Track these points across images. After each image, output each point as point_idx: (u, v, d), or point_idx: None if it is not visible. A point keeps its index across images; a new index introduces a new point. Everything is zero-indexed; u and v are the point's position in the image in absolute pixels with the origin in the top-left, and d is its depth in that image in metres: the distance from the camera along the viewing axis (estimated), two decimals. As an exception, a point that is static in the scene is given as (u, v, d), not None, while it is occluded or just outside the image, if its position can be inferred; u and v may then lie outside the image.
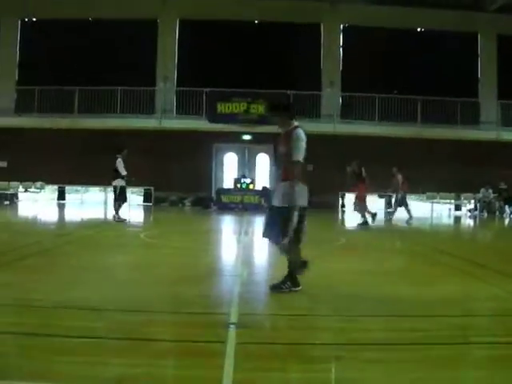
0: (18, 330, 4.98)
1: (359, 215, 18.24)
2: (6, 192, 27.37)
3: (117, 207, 17.14)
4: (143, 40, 28.32)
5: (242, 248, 12.05)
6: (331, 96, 27.39)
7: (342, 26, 28.56)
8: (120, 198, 17.35)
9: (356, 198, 18.52)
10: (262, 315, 5.81)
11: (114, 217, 16.96)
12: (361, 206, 18.12)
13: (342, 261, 10.17)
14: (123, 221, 17.02)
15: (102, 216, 21.68)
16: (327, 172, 25.97)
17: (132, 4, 27.23)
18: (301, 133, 7.00)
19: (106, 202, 26.42)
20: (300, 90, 26.21)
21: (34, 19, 29.47)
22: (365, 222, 17.73)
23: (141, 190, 27.36)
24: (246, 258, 10.37)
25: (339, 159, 26.00)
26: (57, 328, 5.03)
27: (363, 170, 18.55)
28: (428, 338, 5.05)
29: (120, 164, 17.36)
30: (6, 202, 26.90)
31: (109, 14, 27.59)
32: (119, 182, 17.35)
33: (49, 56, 28.28)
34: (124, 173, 17.31)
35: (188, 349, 4.61)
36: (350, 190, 21.87)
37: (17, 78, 29.06)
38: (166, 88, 27.40)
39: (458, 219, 25.30)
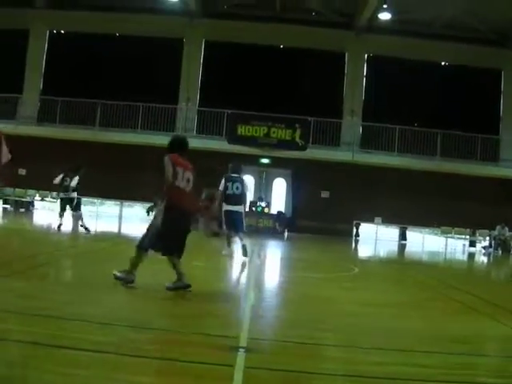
0: (26, 338, 4.98)
1: None
2: (23, 199, 27.55)
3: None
4: (168, 58, 28.57)
5: (253, 271, 12.01)
6: (352, 125, 27.40)
7: (366, 55, 28.65)
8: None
9: None
10: (271, 341, 5.75)
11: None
12: None
13: (353, 290, 10.10)
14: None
15: (115, 229, 21.72)
16: (343, 200, 25.97)
17: (159, 22, 27.46)
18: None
19: (120, 216, 26.50)
20: (321, 117, 26.26)
21: (62, 31, 29.83)
22: None
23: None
24: (257, 282, 10.34)
25: (356, 188, 26.04)
26: (65, 339, 5.02)
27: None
28: (437, 375, 5.00)
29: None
30: (22, 210, 27.06)
31: (135, 31, 27.87)
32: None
33: (74, 68, 28.69)
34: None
35: (194, 370, 4.58)
36: None
37: (41, 87, 29.35)
38: (188, 107, 27.53)
39: (472, 255, 25.12)
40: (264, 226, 25.20)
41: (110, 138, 26.59)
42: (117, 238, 16.94)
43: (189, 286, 8.00)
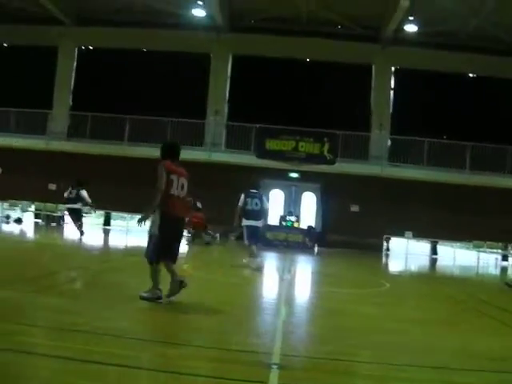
0: (57, 353, 4.98)
1: None
2: (54, 214, 27.79)
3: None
4: (196, 73, 28.72)
5: (284, 286, 11.95)
6: (380, 138, 27.25)
7: (393, 68, 28.54)
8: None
9: None
10: (303, 357, 5.68)
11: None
12: None
13: (384, 306, 9.99)
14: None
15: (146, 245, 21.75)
16: (373, 214, 25.83)
17: (186, 38, 27.60)
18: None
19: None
20: (349, 131, 26.17)
21: (91, 47, 30.18)
22: None
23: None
24: (288, 297, 10.28)
25: (386, 202, 25.86)
26: (96, 354, 5.01)
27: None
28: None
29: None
30: (53, 224, 27.29)
31: (163, 47, 28.11)
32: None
33: (102, 83, 28.98)
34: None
35: (227, 387, 4.55)
36: None
37: (70, 103, 29.67)
38: (217, 121, 27.61)
39: (504, 270, 24.77)
40: (294, 241, 25.13)
41: (138, 152, 26.71)
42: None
43: (160, 298, 8.02)
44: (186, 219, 8.82)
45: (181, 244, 8.62)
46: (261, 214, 14.64)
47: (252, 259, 14.57)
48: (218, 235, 24.81)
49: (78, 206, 20.30)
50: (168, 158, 8.49)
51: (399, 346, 6.53)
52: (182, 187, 8.30)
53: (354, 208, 27.14)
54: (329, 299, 10.44)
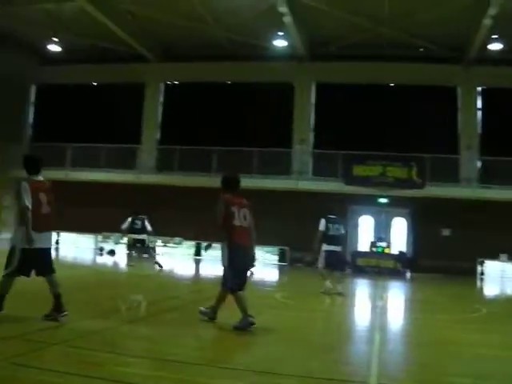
0: (154, 383, 5.03)
1: None
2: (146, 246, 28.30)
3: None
4: (280, 102, 28.85)
5: (377, 313, 11.76)
6: (469, 160, 26.60)
7: (479, 88, 27.90)
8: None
9: None
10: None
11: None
12: None
13: (481, 333, 9.61)
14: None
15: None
16: (465, 237, 25.17)
17: (269, 68, 27.77)
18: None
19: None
20: (437, 153, 25.67)
21: (176, 82, 30.86)
22: None
23: (275, 249, 27.47)
24: (382, 324, 10.10)
25: (478, 224, 25.15)
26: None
27: None
28: None
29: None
30: (145, 255, 27.76)
31: (246, 78, 28.42)
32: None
33: (189, 117, 29.50)
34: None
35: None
36: None
37: (158, 137, 30.33)
38: (302, 150, 27.62)
39: None
40: (385, 267, 24.77)
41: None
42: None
43: (253, 323, 8.14)
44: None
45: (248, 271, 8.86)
46: (341, 239, 14.76)
47: (329, 283, 14.50)
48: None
49: (144, 236, 21.33)
50: (228, 191, 8.92)
51: (497, 373, 6.29)
52: (245, 217, 8.67)
53: (446, 232, 26.52)
54: (424, 326, 10.21)
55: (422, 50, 26.87)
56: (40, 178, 8.04)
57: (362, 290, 19.79)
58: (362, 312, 13.06)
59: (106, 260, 23.94)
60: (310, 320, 10.14)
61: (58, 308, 7.79)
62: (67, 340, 6.59)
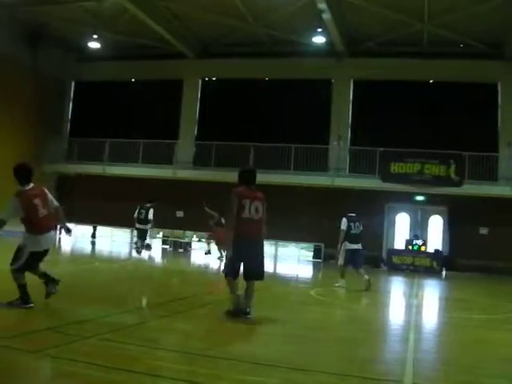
0: (189, 378, 5.06)
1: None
2: (181, 240, 28.53)
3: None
4: (317, 99, 28.77)
5: (412, 311, 11.67)
6: (509, 157, 26.21)
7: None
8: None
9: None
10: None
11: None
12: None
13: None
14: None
15: (271, 270, 21.88)
16: (503, 236, 24.86)
17: (307, 65, 27.60)
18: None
19: (276, 256, 26.80)
20: (475, 151, 25.35)
21: (214, 78, 30.94)
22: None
23: (311, 246, 27.43)
24: (417, 323, 10.02)
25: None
26: (224, 380, 5.06)
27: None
28: None
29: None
30: (181, 250, 27.97)
31: (284, 74, 28.36)
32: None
33: (226, 112, 29.60)
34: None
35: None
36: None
37: (195, 132, 30.46)
38: (340, 147, 27.51)
39: None
40: (421, 265, 24.55)
41: (264, 179, 26.84)
42: (273, 280, 16.97)
43: (248, 313, 8.61)
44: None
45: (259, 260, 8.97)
46: (361, 237, 15.27)
47: (344, 280, 14.99)
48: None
49: (148, 227, 21.95)
50: (243, 184, 9.13)
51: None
52: (257, 210, 8.88)
53: (483, 231, 26.20)
54: (460, 325, 10.10)
55: (461, 46, 26.55)
56: (31, 185, 8.68)
57: (397, 287, 19.68)
58: (396, 310, 13.00)
59: (142, 254, 24.10)
60: (344, 317, 10.12)
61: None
62: (101, 333, 6.66)
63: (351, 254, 14.91)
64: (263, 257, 9.10)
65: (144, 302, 9.87)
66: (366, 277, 14.53)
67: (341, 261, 15.04)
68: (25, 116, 28.19)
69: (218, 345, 6.57)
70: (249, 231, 8.77)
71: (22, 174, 8.66)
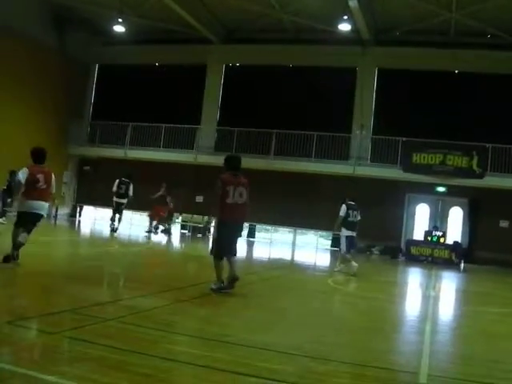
0: (207, 363, 5.10)
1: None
2: (200, 225, 28.63)
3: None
4: (342, 87, 28.65)
5: (429, 303, 11.65)
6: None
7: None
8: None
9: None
10: (451, 379, 5.48)
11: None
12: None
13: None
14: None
15: (289, 257, 21.92)
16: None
17: (332, 52, 27.59)
18: None
19: (294, 243, 26.82)
20: (499, 143, 25.14)
21: (237, 64, 30.89)
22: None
23: (329, 234, 27.43)
24: (434, 315, 10.01)
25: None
26: (242, 366, 5.09)
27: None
28: None
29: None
30: (199, 235, 28.08)
31: (309, 61, 28.27)
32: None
33: (248, 99, 29.58)
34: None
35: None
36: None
37: (218, 118, 30.47)
38: (362, 135, 27.41)
39: None
40: (439, 257, 24.46)
41: (285, 166, 26.94)
42: (291, 267, 17.04)
43: (225, 288, 9.57)
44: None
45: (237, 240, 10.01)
46: (358, 225, 15.89)
47: (344, 266, 15.73)
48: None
49: (125, 201, 22.27)
50: (229, 170, 9.88)
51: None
52: (241, 195, 9.65)
53: (504, 224, 26.03)
54: (477, 318, 10.08)
55: (489, 36, 26.31)
56: (42, 165, 10.67)
57: (414, 279, 19.64)
58: (413, 301, 12.98)
59: (160, 238, 24.22)
60: (361, 306, 10.13)
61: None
62: (121, 316, 6.73)
63: (349, 240, 15.61)
64: (241, 236, 10.19)
65: (162, 286, 9.93)
66: (355, 264, 15.00)
67: (343, 248, 15.64)
68: (52, 98, 28.43)
69: (236, 331, 6.61)
70: (233, 215, 9.57)
71: (37, 155, 10.66)
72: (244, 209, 9.77)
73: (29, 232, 10.35)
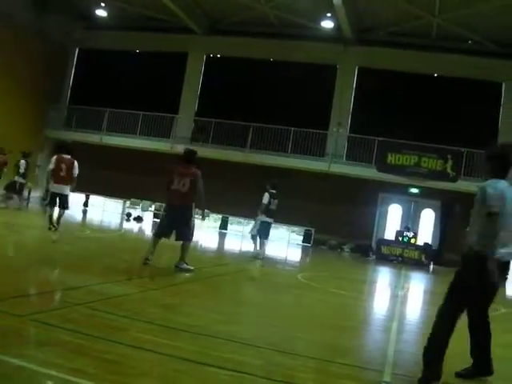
0: (173, 353, 5.10)
1: None
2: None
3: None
4: (321, 84, 28.74)
5: (397, 302, 11.73)
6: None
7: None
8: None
9: None
10: (415, 378, 5.52)
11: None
12: None
13: (496, 332, 9.50)
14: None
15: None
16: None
17: (314, 49, 27.67)
18: None
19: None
20: (474, 148, 25.35)
21: (218, 55, 30.83)
22: None
23: (301, 229, 27.52)
24: (401, 314, 10.09)
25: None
26: (209, 357, 5.10)
27: None
28: None
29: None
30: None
31: (290, 57, 28.29)
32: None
33: (227, 91, 29.54)
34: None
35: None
36: None
37: (196, 109, 30.41)
38: (339, 133, 27.50)
39: None
40: (409, 257, 24.65)
41: (261, 160, 26.98)
42: (262, 260, 17.02)
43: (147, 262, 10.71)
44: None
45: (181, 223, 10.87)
46: (275, 213, 16.54)
47: (258, 249, 16.47)
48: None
49: (24, 181, 22.09)
50: (183, 163, 11.19)
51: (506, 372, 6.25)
52: (184, 184, 10.80)
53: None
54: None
55: (470, 42, 26.51)
56: (66, 155, 13.86)
57: (383, 278, 19.78)
58: (381, 300, 13.08)
59: (132, 226, 24.16)
60: (329, 303, 10.17)
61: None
62: (89, 302, 6.69)
63: (266, 226, 16.30)
64: (186, 222, 10.92)
65: (133, 273, 9.90)
66: (264, 250, 16.21)
67: (254, 231, 16.48)
68: (31, 81, 28.18)
69: (203, 322, 6.61)
70: (174, 201, 10.89)
71: (63, 148, 14.26)
72: (184, 196, 10.83)
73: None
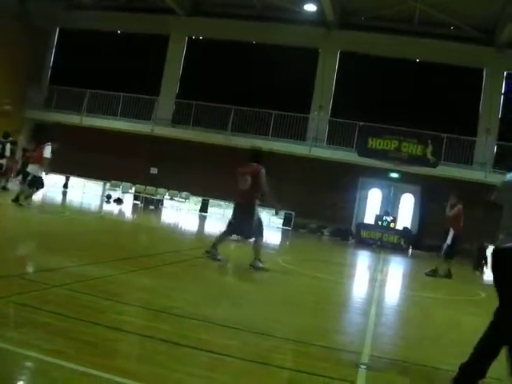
0: (152, 334, 5.11)
1: None
2: (153, 197, 28.53)
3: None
4: (303, 68, 28.72)
5: (375, 286, 11.82)
6: (486, 143, 26.36)
7: (505, 72, 27.56)
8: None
9: None
10: (392, 360, 5.58)
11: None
12: None
13: (475, 316, 9.45)
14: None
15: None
16: (473, 220, 25.05)
17: (296, 32, 27.63)
18: None
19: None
20: (455, 134, 25.52)
21: (200, 37, 30.67)
22: None
23: (282, 213, 27.55)
24: (379, 298, 10.17)
25: (489, 209, 24.95)
26: (187, 339, 5.11)
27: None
28: None
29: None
30: (152, 207, 27.98)
31: (272, 40, 28.21)
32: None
33: (209, 73, 29.42)
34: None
35: (315, 382, 4.55)
36: None
37: (177, 91, 30.27)
38: (320, 117, 27.53)
39: None
40: (388, 241, 24.83)
41: (241, 143, 26.92)
42: (242, 243, 17.02)
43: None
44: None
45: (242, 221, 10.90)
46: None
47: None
48: None
49: (4, 161, 21.41)
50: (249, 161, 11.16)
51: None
52: (246, 181, 10.82)
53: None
54: (421, 304, 10.32)
55: (452, 28, 26.58)
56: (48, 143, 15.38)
57: (362, 261, 19.90)
58: (360, 284, 13.17)
59: (112, 208, 24.10)
60: (308, 286, 10.22)
61: None
62: (68, 283, 6.66)
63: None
64: (247, 220, 10.83)
65: (112, 255, 9.88)
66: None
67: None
68: (10, 60, 27.75)
69: (183, 304, 6.61)
70: (239, 199, 11.19)
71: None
72: (245, 193, 10.86)
73: None
